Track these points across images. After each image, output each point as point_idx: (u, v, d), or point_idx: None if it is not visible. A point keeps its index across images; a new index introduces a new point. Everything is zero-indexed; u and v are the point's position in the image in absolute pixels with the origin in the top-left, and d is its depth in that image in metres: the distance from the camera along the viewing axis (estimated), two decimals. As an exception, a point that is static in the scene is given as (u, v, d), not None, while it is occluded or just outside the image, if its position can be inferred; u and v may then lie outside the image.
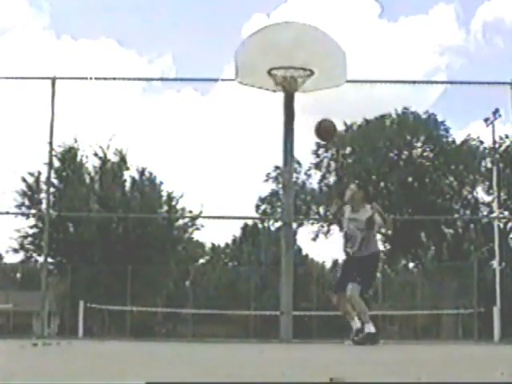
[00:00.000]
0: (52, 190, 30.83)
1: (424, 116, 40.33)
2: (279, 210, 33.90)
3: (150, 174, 36.86)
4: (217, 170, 63.79)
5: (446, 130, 39.99)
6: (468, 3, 65.17)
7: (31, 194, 34.83)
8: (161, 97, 66.21)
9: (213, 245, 46.89)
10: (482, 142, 38.29)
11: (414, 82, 19.92)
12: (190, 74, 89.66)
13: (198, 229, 37.38)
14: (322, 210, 40.26)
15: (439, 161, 38.45)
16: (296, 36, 13.43)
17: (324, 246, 61.10)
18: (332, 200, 9.75)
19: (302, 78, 13.49)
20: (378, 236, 40.79)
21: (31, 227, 34.73)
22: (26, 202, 34.94)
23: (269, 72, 13.43)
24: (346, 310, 9.11)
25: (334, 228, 39.95)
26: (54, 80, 15.77)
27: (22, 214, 34.74)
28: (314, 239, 39.75)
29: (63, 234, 34.09)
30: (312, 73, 13.49)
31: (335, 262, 46.25)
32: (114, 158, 35.95)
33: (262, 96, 14.29)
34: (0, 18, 64.13)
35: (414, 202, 36.90)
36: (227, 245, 47.23)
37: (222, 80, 20.09)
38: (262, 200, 40.71)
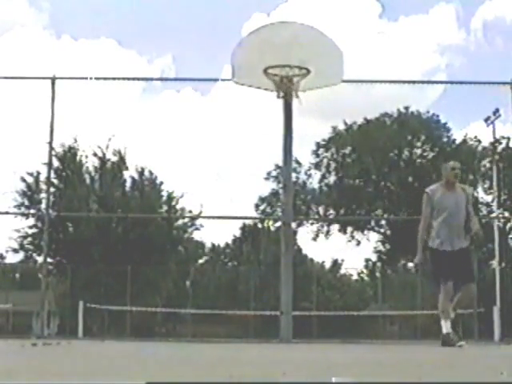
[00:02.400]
0: (52, 189, 30.82)
1: (424, 116, 40.34)
2: (279, 209, 33.89)
3: (150, 173, 36.87)
4: (217, 170, 63.85)
5: (447, 129, 40.02)
6: (468, 3, 65.25)
7: (31, 194, 34.82)
8: (160, 97, 66.32)
9: (213, 245, 46.91)
10: (479, 142, 38.34)
11: (414, 82, 19.95)
12: (190, 74, 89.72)
13: (197, 229, 37.42)
14: (321, 210, 40.26)
15: (439, 161, 38.42)
16: (292, 35, 13.45)
17: (324, 246, 61.14)
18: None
19: (298, 76, 13.50)
20: (377, 235, 41.01)
21: (31, 227, 34.73)
22: (26, 202, 34.94)
23: (265, 71, 13.44)
24: (446, 305, 8.47)
25: (334, 228, 40.00)
26: (53, 80, 15.79)
27: (22, 214, 34.73)
28: (314, 239, 39.76)
29: (63, 234, 34.08)
30: (308, 72, 13.50)
31: (335, 262, 46.34)
32: (113, 158, 35.97)
33: (262, 95, 14.31)
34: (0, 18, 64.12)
35: (414, 201, 36.83)
36: (227, 245, 47.23)
37: (222, 80, 20.10)
38: (262, 200, 40.72)
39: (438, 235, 8.34)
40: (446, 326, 8.40)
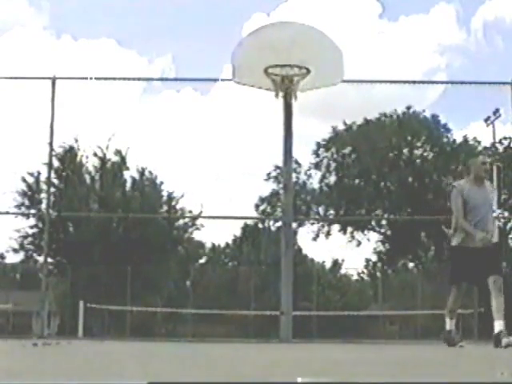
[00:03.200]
0: (52, 190, 30.83)
1: (424, 116, 40.35)
2: (279, 209, 33.89)
3: (150, 173, 36.88)
4: (217, 170, 63.88)
5: (447, 130, 40.01)
6: (468, 3, 65.17)
7: (31, 194, 34.83)
8: (160, 97, 66.19)
9: (213, 245, 46.89)
10: (479, 143, 38.35)
11: (414, 82, 19.97)
12: (190, 74, 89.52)
13: (197, 229, 37.42)
14: (321, 210, 40.26)
15: (439, 161, 38.45)
16: (292, 35, 13.46)
17: (324, 246, 61.07)
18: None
19: (298, 76, 13.52)
20: (377, 236, 41.02)
21: (31, 227, 34.74)
22: (26, 202, 34.95)
23: (265, 71, 13.45)
24: (455, 306, 8.09)
25: (334, 228, 40.00)
26: (54, 80, 15.80)
27: (22, 214, 34.75)
28: (314, 239, 39.75)
29: (63, 234, 34.08)
30: (308, 71, 13.51)
31: (335, 262, 46.32)
32: (113, 158, 35.98)
33: (262, 95, 14.31)
34: None
35: (414, 201, 36.91)
36: (227, 245, 47.22)
37: (222, 80, 20.12)
38: (262, 200, 40.71)
39: (463, 231, 7.99)
40: (449, 324, 8.14)
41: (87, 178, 35.91)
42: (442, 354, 6.44)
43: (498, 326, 7.64)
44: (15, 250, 35.45)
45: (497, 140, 33.15)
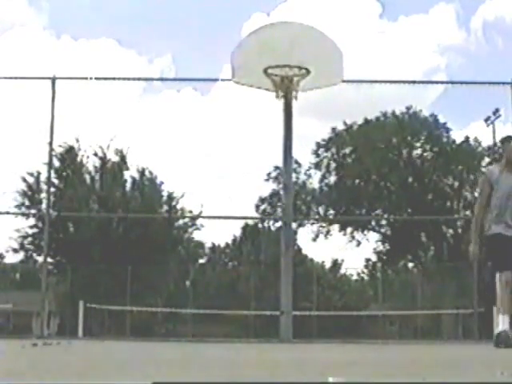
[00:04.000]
0: (52, 189, 30.82)
1: (424, 116, 40.34)
2: (279, 210, 33.88)
3: (151, 173, 36.90)
4: (217, 170, 63.85)
5: (447, 130, 40.00)
6: (468, 3, 65.19)
7: (31, 194, 34.83)
8: (160, 97, 66.18)
9: (213, 245, 46.89)
10: (479, 144, 38.36)
11: (414, 82, 19.96)
12: (190, 74, 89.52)
13: (197, 229, 37.45)
14: (321, 210, 40.27)
15: (439, 161, 38.44)
16: (292, 36, 13.48)
17: (324, 246, 61.06)
18: None
19: (298, 76, 13.53)
20: (377, 236, 41.00)
21: (31, 227, 34.74)
22: (26, 202, 34.95)
23: (265, 71, 13.47)
24: (506, 298, 7.70)
25: (334, 228, 40.00)
26: (54, 80, 15.81)
27: (22, 214, 34.74)
28: (314, 239, 39.74)
29: (63, 233, 34.08)
30: (308, 72, 13.53)
31: (335, 262, 46.31)
32: (114, 158, 35.99)
33: (262, 95, 14.31)
34: None
35: (414, 201, 36.90)
36: (227, 245, 47.22)
37: (222, 80, 20.11)
38: (262, 200, 40.71)
39: (500, 219, 7.55)
40: (502, 322, 7.49)
41: (87, 177, 35.92)
42: (442, 354, 6.44)
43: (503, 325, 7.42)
44: (15, 250, 35.47)
45: (497, 140, 33.16)
